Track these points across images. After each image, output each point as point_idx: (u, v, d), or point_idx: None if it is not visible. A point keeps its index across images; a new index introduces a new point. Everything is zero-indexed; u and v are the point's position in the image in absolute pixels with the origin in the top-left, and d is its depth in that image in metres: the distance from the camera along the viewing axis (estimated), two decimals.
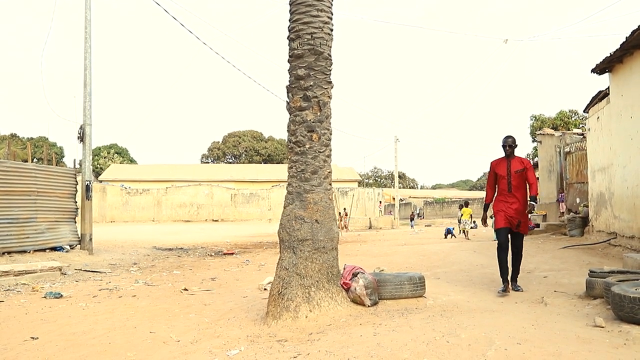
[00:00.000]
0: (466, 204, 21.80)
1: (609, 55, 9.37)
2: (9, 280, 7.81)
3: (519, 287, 6.15)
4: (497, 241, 6.39)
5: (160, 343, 4.18)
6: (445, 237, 18.59)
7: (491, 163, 6.42)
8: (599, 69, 10.26)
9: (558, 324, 4.24)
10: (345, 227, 27.91)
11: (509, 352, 3.40)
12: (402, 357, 3.43)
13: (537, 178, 23.50)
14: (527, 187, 6.24)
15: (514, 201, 6.15)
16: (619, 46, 8.83)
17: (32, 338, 4.47)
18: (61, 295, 6.70)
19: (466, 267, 8.80)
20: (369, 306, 4.93)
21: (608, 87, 10.78)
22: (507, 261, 6.11)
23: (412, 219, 36.13)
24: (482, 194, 60.64)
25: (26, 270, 8.30)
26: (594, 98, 12.65)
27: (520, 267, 6.43)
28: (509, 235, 6.25)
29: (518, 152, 6.55)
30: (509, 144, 6.25)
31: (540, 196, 20.39)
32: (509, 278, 6.14)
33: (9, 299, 6.60)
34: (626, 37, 8.44)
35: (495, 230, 6.47)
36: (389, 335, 3.95)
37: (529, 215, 5.96)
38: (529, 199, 6.21)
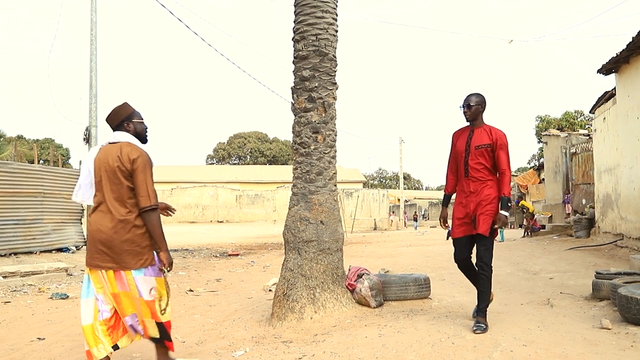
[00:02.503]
0: None
1: (615, 55, 9.33)
2: (15, 281, 7.85)
3: (481, 324, 4.01)
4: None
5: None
6: (447, 239, 18.62)
7: (453, 134, 4.47)
8: (605, 70, 10.23)
9: (564, 325, 4.22)
10: None
11: (514, 354, 3.38)
12: (407, 359, 3.42)
13: (542, 179, 23.37)
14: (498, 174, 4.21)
15: (473, 191, 4.19)
16: (625, 46, 8.79)
17: (39, 338, 4.50)
18: (67, 296, 6.73)
19: None
20: (374, 307, 4.93)
21: (614, 88, 10.74)
22: (475, 275, 4.38)
23: (415, 220, 36.09)
24: None
25: (32, 271, 8.35)
26: (600, 99, 12.61)
27: (490, 292, 4.25)
28: (473, 244, 4.29)
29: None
30: (467, 104, 4.22)
31: (545, 197, 20.30)
32: (476, 309, 4.29)
33: (16, 299, 6.64)
34: (633, 37, 8.41)
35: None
36: (394, 337, 3.94)
37: (500, 227, 4.14)
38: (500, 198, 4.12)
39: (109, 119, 3.27)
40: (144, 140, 3.32)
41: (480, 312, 4.16)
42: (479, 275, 4.21)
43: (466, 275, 4.45)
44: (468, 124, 4.35)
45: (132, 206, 3.09)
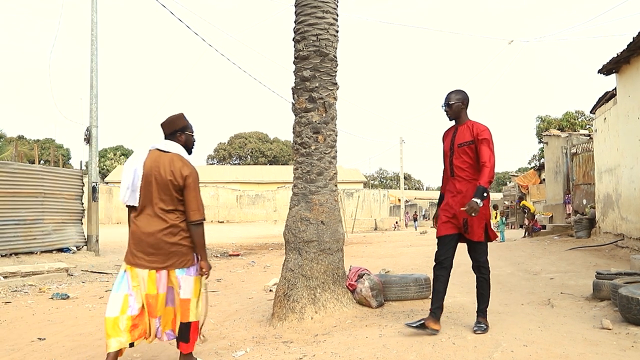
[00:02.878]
0: None
1: (615, 55, 9.33)
2: (16, 281, 7.86)
3: (482, 324, 4.01)
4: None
5: (167, 344, 4.19)
6: None
7: (443, 134, 4.36)
8: (606, 70, 10.23)
9: (565, 325, 4.22)
10: None
11: (515, 354, 3.38)
12: (408, 359, 3.42)
13: (543, 180, 23.37)
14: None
15: (460, 191, 4.04)
16: (625, 47, 8.79)
17: (40, 339, 4.50)
18: (68, 297, 6.74)
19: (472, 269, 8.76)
20: (374, 307, 4.93)
21: (615, 88, 10.73)
22: (444, 282, 4.08)
23: (415, 220, 36.09)
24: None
25: (33, 271, 8.35)
26: (600, 99, 12.61)
27: (490, 294, 4.15)
28: (456, 244, 4.13)
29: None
30: (447, 102, 4.13)
31: (546, 197, 20.29)
32: (476, 309, 4.19)
33: (17, 299, 6.64)
34: (633, 38, 8.41)
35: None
36: (395, 337, 3.94)
37: (470, 213, 3.78)
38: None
39: (164, 126, 3.48)
40: (190, 151, 3.55)
41: (481, 312, 4.13)
42: (478, 278, 4.16)
43: (439, 276, 4.08)
44: (453, 122, 4.23)
45: (180, 213, 3.35)
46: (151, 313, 3.33)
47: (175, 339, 3.46)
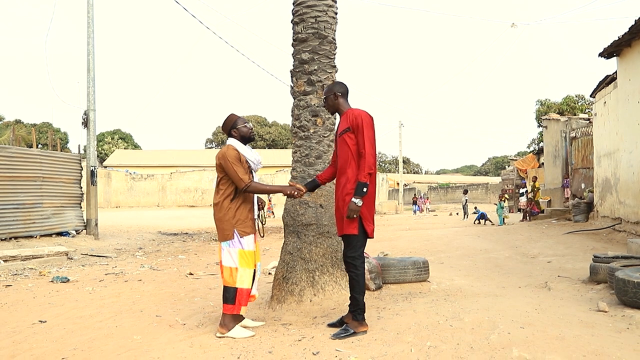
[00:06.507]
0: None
1: (617, 39, 9.27)
2: (16, 265, 7.89)
3: (343, 330, 3.68)
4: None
5: (166, 326, 4.23)
6: (478, 222, 18.58)
7: None
8: (607, 53, 10.16)
9: (561, 308, 4.26)
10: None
11: (512, 336, 3.41)
12: (405, 341, 3.45)
13: (542, 164, 23.29)
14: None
15: (337, 185, 3.88)
16: (627, 30, 8.72)
17: (40, 321, 4.53)
18: (68, 280, 6.77)
19: (470, 252, 8.82)
20: (373, 290, 4.96)
21: (615, 72, 10.68)
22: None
23: (414, 203, 36.11)
24: (487, 180, 60.02)
25: (33, 255, 8.38)
26: (601, 82, 12.55)
27: (358, 295, 3.73)
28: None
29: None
30: (324, 93, 4.05)
31: (545, 181, 20.31)
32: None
33: (17, 283, 6.67)
34: (635, 21, 8.34)
35: None
36: (393, 319, 3.97)
37: (350, 217, 3.67)
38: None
39: (222, 129, 4.21)
40: (249, 139, 4.13)
41: (351, 314, 3.76)
42: (348, 275, 3.82)
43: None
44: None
45: (222, 193, 3.97)
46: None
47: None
